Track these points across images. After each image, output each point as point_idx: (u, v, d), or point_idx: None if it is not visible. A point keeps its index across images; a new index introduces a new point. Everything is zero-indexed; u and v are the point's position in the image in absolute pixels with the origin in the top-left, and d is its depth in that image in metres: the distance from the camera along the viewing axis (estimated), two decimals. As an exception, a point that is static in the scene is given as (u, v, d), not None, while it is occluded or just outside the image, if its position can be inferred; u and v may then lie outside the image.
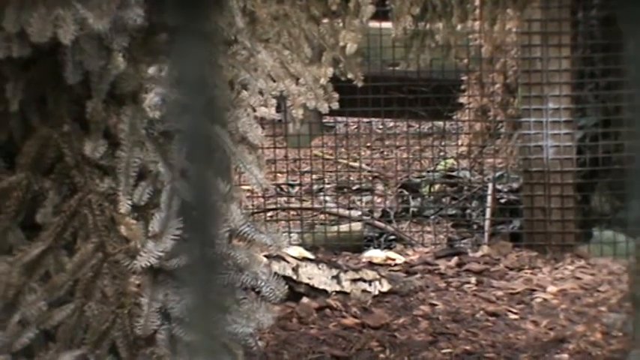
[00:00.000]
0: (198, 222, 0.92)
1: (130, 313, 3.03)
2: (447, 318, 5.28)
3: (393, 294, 5.55)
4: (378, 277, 5.62)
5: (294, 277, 5.30)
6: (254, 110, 3.74)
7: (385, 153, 8.54)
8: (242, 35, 3.43)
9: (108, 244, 3.05)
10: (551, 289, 5.75)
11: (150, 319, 3.00)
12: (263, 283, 3.30)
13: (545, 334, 5.10)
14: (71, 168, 3.06)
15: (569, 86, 6.70)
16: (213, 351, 0.93)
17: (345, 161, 8.91)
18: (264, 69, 3.64)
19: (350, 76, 5.18)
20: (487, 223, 7.20)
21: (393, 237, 7.33)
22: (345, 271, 5.53)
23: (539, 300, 5.59)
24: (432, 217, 7.84)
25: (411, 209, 7.99)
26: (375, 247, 6.94)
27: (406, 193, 8.19)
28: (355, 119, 9.08)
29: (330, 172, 8.53)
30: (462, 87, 7.92)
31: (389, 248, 6.88)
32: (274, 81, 4.46)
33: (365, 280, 5.53)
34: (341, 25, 5.26)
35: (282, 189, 8.54)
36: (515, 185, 7.44)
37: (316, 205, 8.06)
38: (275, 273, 3.90)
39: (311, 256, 5.61)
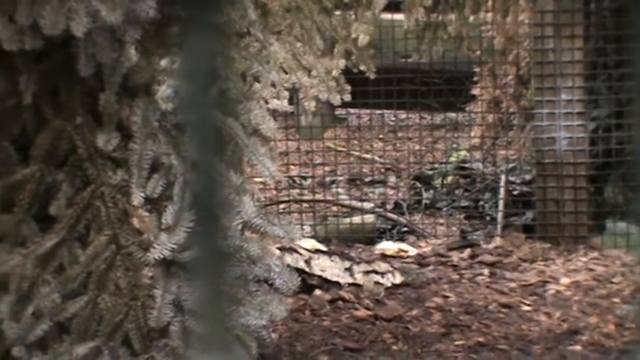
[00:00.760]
0: (210, 214, 0.92)
1: (144, 305, 3.03)
2: (459, 310, 5.27)
3: (405, 286, 5.55)
4: (390, 269, 5.61)
5: (307, 270, 5.30)
6: (266, 102, 3.75)
7: (398, 145, 8.52)
8: (254, 27, 3.43)
9: (121, 236, 3.05)
10: (564, 280, 5.73)
11: (163, 311, 3.01)
12: (276, 276, 3.30)
13: (558, 326, 5.09)
14: (84, 160, 3.07)
15: (581, 77, 6.68)
16: (226, 343, 0.93)
17: (357, 153, 8.91)
18: (276, 61, 3.64)
19: (362, 67, 5.18)
20: (500, 214, 7.19)
21: (405, 229, 7.32)
22: (358, 263, 5.53)
23: (552, 292, 5.58)
24: (445, 209, 7.83)
25: (424, 201, 7.98)
26: (387, 239, 6.93)
27: (419, 185, 8.18)
28: (367, 111, 9.07)
29: (343, 164, 8.53)
30: (475, 79, 7.91)
31: (401, 240, 6.87)
32: (287, 73, 4.46)
33: (377, 272, 5.53)
34: (353, 17, 5.26)
35: (294, 181, 8.54)
36: (527, 177, 7.42)
37: (329, 198, 8.06)
38: (288, 265, 3.91)
39: (324, 249, 5.61)
